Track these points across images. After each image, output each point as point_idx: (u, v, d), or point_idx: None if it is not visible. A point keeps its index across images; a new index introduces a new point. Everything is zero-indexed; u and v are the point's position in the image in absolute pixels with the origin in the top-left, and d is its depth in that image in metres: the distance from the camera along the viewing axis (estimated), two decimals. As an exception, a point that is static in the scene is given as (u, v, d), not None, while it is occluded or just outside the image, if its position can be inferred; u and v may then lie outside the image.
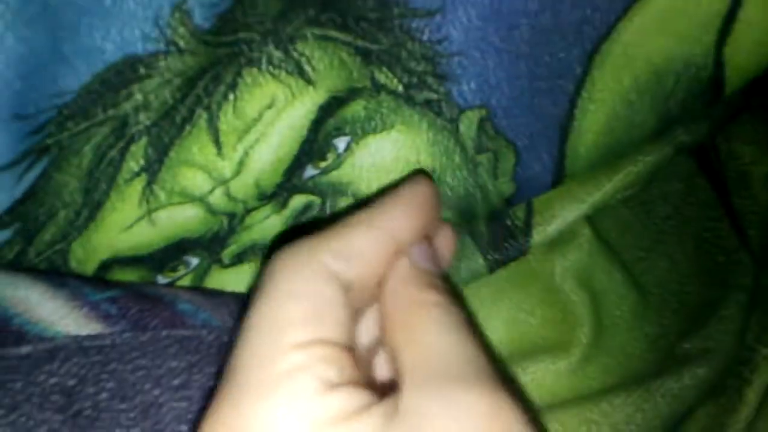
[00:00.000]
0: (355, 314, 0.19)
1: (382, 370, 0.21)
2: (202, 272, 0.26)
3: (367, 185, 0.27)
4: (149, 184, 0.23)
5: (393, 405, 0.16)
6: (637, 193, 0.32)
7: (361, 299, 0.19)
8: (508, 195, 0.28)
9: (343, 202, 0.27)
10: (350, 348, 0.18)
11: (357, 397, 0.16)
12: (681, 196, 0.32)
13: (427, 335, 0.18)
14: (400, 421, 0.16)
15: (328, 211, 0.27)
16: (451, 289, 0.20)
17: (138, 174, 0.23)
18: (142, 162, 0.23)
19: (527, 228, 0.28)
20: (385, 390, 0.18)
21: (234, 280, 0.26)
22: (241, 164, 0.24)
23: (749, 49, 0.26)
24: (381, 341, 0.21)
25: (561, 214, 0.28)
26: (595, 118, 0.26)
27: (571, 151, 0.27)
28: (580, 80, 0.25)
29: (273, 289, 0.18)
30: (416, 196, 0.22)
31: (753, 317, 0.31)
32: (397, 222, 0.20)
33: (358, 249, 0.19)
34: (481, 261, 0.28)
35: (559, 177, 0.27)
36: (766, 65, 0.27)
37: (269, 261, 0.19)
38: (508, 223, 0.28)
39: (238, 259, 0.26)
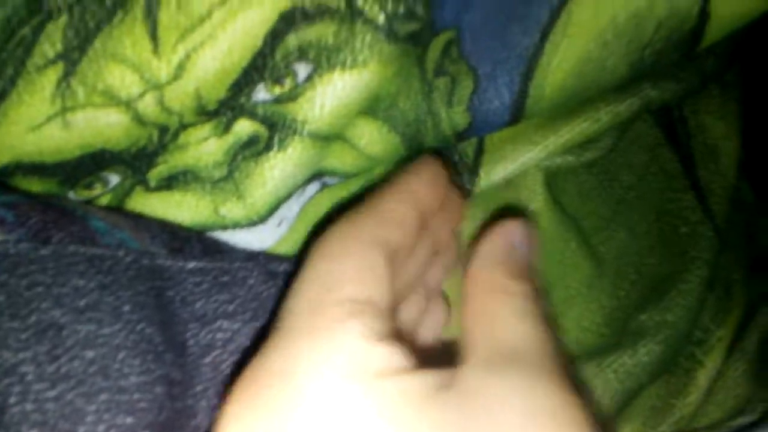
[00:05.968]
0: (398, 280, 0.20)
1: (425, 340, 0.23)
2: (123, 193, 0.22)
3: (326, 128, 0.23)
4: (66, 76, 0.20)
5: (449, 376, 0.17)
6: (601, 160, 0.31)
7: (401, 262, 0.20)
8: (462, 128, 0.25)
9: (295, 143, 0.24)
10: (390, 309, 0.18)
11: (404, 355, 0.17)
12: (645, 165, 0.30)
13: (504, 320, 0.19)
14: (458, 393, 0.16)
15: (275, 149, 0.24)
16: (537, 280, 0.21)
17: (54, 61, 0.19)
18: (59, 47, 0.19)
19: (475, 167, 0.26)
20: (426, 359, 0.17)
21: (160, 207, 0.23)
22: (181, 68, 0.21)
23: (733, 1, 0.25)
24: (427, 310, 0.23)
25: (511, 156, 0.26)
26: (566, 56, 0.24)
27: (535, 90, 0.24)
28: (556, 10, 0.23)
29: (327, 250, 0.19)
30: (430, 169, 0.23)
31: (710, 296, 0.30)
32: (421, 190, 0.22)
33: (397, 215, 0.20)
34: None
35: (517, 117, 0.25)
36: (744, 20, 0.25)
37: (318, 235, 0.20)
38: (456, 158, 0.26)
39: (167, 183, 0.23)
